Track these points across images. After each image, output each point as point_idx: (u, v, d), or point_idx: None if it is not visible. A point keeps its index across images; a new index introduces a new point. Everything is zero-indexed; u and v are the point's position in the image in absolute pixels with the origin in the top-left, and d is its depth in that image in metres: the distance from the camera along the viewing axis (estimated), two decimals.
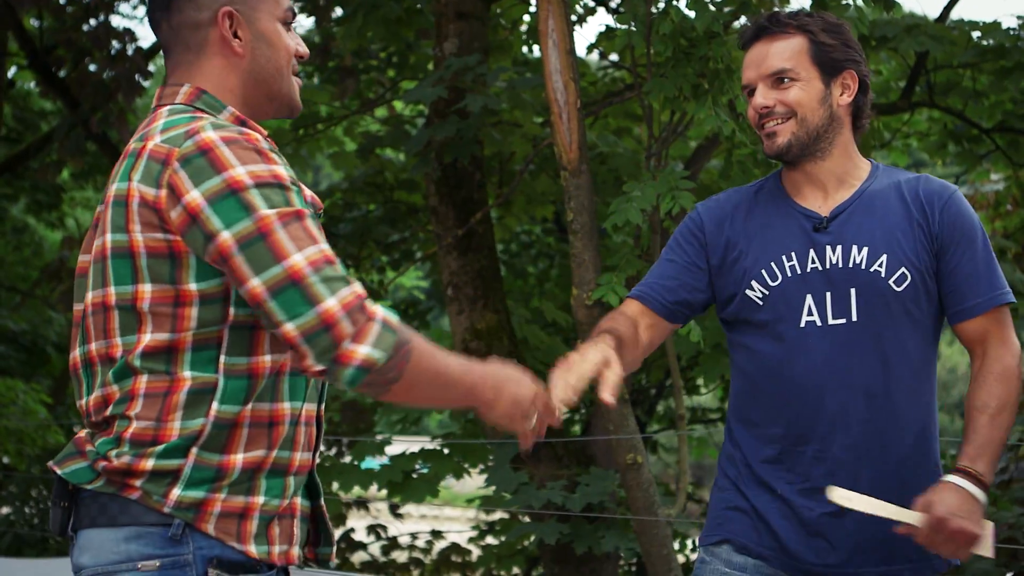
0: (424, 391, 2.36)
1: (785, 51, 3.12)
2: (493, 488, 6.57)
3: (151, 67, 9.27)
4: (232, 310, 2.31)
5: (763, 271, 3.11)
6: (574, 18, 7.53)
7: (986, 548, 2.99)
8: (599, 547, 6.04)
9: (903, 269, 3.06)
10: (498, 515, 9.60)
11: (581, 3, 7.70)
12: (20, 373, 12.80)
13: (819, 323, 3.06)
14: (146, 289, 2.30)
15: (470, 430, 8.21)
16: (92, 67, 9.03)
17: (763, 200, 3.21)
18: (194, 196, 2.27)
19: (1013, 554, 6.33)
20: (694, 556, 9.16)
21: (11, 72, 12.43)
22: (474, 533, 9.59)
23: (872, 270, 3.06)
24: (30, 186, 13.06)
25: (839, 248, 3.08)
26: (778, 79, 3.12)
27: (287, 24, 2.55)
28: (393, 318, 2.28)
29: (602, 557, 6.47)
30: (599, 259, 5.38)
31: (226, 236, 2.25)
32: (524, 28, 7.84)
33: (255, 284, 2.25)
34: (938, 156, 8.32)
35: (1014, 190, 8.95)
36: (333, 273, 2.25)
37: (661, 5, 5.24)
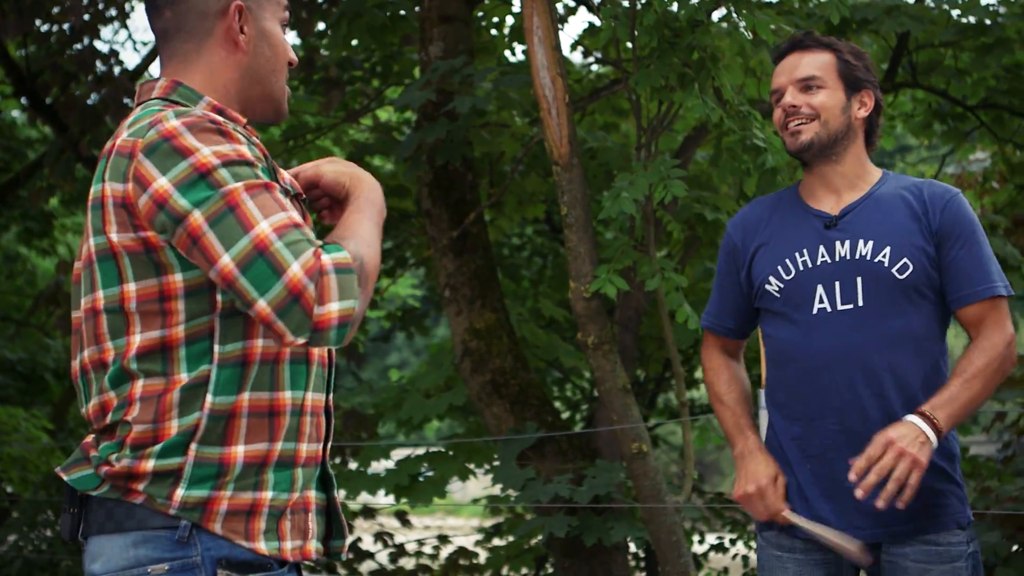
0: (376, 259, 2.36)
1: (815, 62, 3.55)
2: (499, 488, 6.59)
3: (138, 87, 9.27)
4: (219, 297, 2.30)
5: (779, 267, 3.51)
6: (557, 16, 7.56)
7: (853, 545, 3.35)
8: (608, 538, 6.06)
9: (905, 259, 3.41)
10: (504, 516, 9.62)
11: (562, 2, 7.74)
12: (20, 401, 12.77)
13: (829, 309, 3.44)
14: (131, 289, 2.30)
15: (473, 430, 8.24)
16: (78, 91, 9.04)
17: (782, 207, 3.62)
18: (161, 183, 2.26)
19: (1019, 527, 6.37)
20: (701, 548, 9.21)
21: None
22: (481, 536, 9.60)
23: (876, 260, 3.42)
24: (20, 215, 13.05)
25: (847, 242, 3.46)
26: (807, 85, 3.53)
27: (284, 27, 2.56)
28: (339, 254, 2.26)
29: (612, 548, 6.50)
30: (595, 252, 5.41)
31: (196, 215, 2.24)
32: (508, 30, 7.86)
33: (225, 262, 2.23)
34: (924, 136, 8.36)
35: (1000, 165, 8.99)
36: (297, 236, 2.23)
37: None
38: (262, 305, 2.22)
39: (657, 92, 5.34)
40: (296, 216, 2.27)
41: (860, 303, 3.41)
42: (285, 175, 2.46)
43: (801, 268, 3.47)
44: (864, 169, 3.57)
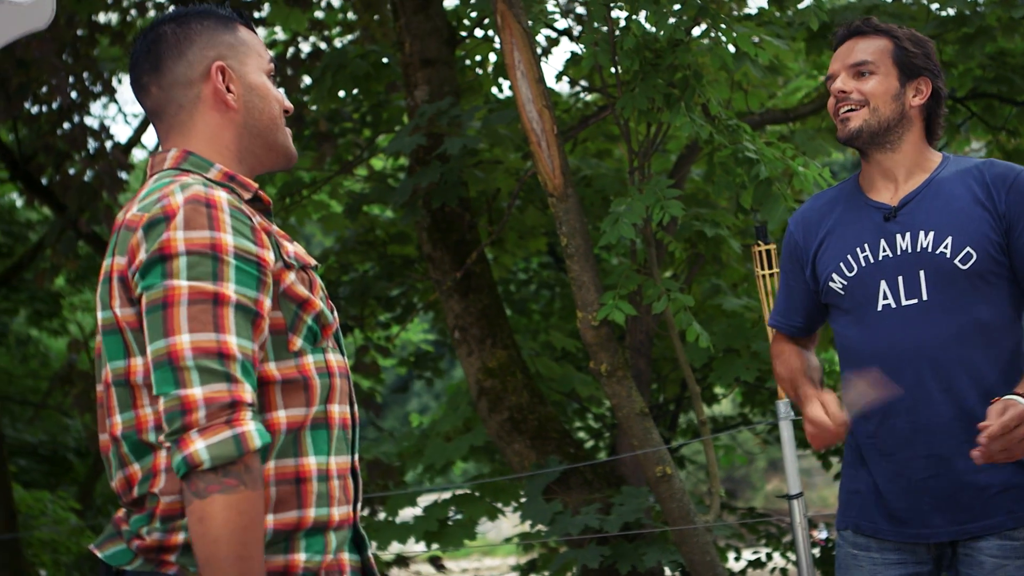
0: (211, 545, 2.18)
1: (870, 47, 3.45)
2: (528, 524, 6.58)
3: (132, 159, 9.33)
4: None
5: (841, 263, 3.43)
6: (539, 50, 7.59)
7: None
8: (642, 564, 6.04)
9: (968, 248, 3.31)
10: (538, 551, 9.59)
11: (543, 34, 7.77)
12: (45, 484, 12.80)
13: (894, 305, 3.36)
14: (137, 363, 2.30)
15: (498, 469, 8.22)
16: (72, 170, 9.09)
17: (842, 199, 3.55)
18: (141, 258, 2.27)
19: None
20: (738, 565, 9.17)
21: None
22: (517, 574, 9.57)
23: (938, 252, 3.33)
24: (28, 297, 13.11)
25: (907, 235, 3.37)
26: (859, 71, 3.44)
27: (271, 77, 2.58)
28: (256, 442, 2.19)
29: (646, 574, 6.47)
30: (599, 279, 5.41)
31: (144, 298, 2.25)
32: (491, 67, 7.89)
33: (148, 351, 2.23)
34: None
35: (996, 153, 8.99)
36: (214, 366, 2.19)
37: (622, 23, 5.29)
38: (161, 401, 2.21)
39: (644, 114, 5.35)
40: (230, 343, 2.22)
41: (925, 297, 3.32)
42: (289, 247, 2.43)
43: (863, 264, 3.39)
44: (924, 157, 3.46)
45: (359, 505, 2.52)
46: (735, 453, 10.11)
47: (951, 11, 6.76)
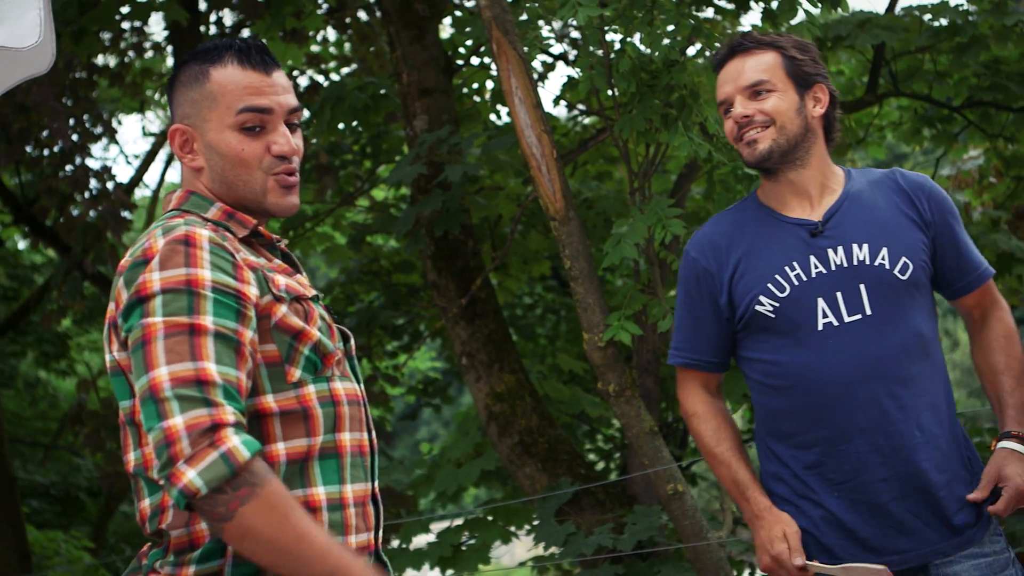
0: (266, 547, 2.22)
1: (760, 64, 3.30)
2: (542, 546, 6.59)
3: (134, 198, 9.37)
4: None
5: (769, 285, 3.25)
6: (536, 75, 7.64)
7: None
8: None
9: (904, 258, 3.22)
10: (552, 574, 9.59)
11: (539, 60, 7.82)
12: (57, 524, 12.81)
13: (836, 323, 3.20)
14: (138, 403, 2.32)
15: (510, 493, 8.23)
16: (75, 211, 9.14)
17: (750, 220, 3.36)
18: (123, 302, 2.33)
19: None
20: None
21: None
22: None
23: (877, 264, 3.21)
24: (35, 339, 13.16)
25: (840, 249, 3.23)
26: (755, 91, 3.29)
27: (249, 128, 2.50)
28: (246, 452, 2.20)
29: None
30: (604, 300, 5.43)
31: (128, 341, 2.29)
32: (489, 94, 7.94)
33: (136, 389, 2.27)
34: (915, 142, 8.39)
35: (994, 160, 9.03)
36: (192, 393, 2.21)
37: (617, 45, 5.33)
38: (149, 437, 2.24)
39: (643, 135, 5.38)
40: (207, 369, 2.24)
41: (868, 312, 3.20)
42: (279, 280, 2.43)
43: (795, 283, 3.23)
44: (831, 170, 3.36)
45: (380, 532, 2.53)
46: None
47: (944, 21, 6.80)
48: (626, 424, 5.52)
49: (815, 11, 5.51)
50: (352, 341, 2.58)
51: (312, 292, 2.51)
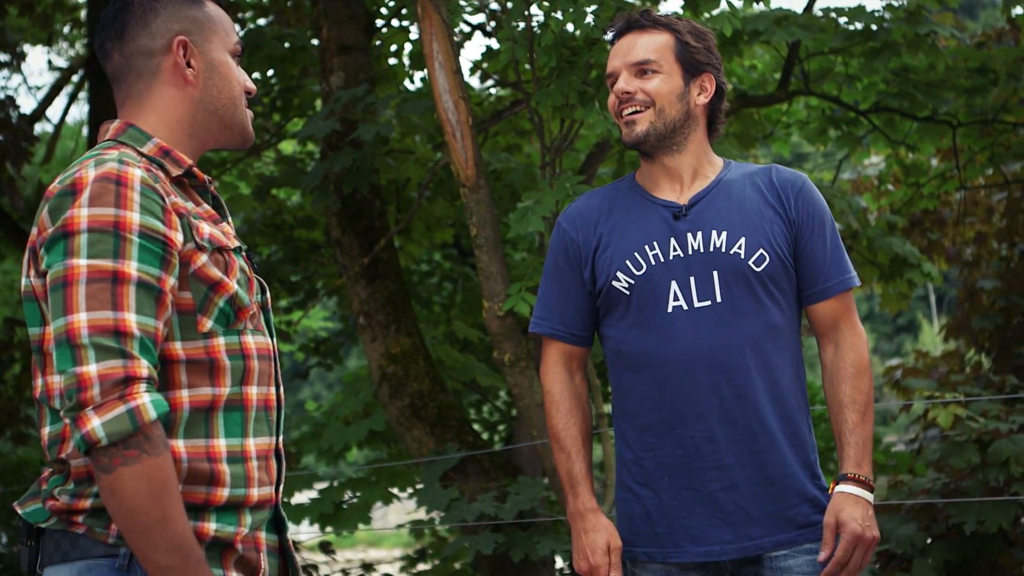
0: (126, 515, 2.23)
1: (651, 44, 3.29)
2: (422, 513, 6.62)
3: (36, 131, 9.23)
4: None
5: (627, 262, 3.24)
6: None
7: None
8: (535, 552, 6.11)
9: (761, 250, 3.21)
10: (427, 541, 9.64)
11: (458, 29, 7.83)
12: None
13: (685, 307, 3.20)
14: (49, 331, 2.32)
15: (395, 455, 8.26)
16: None
17: (620, 197, 3.36)
18: (46, 231, 2.31)
19: (933, 518, 6.50)
20: None
21: None
22: (406, 563, 9.61)
23: (732, 252, 3.20)
24: None
25: (699, 234, 3.23)
26: (642, 70, 3.28)
27: (236, 57, 2.60)
28: (152, 413, 2.22)
29: (539, 563, 6.56)
30: (506, 271, 5.48)
31: (48, 275, 2.28)
32: (407, 57, 7.93)
33: (49, 329, 2.28)
34: (819, 142, 8.52)
35: (895, 167, 9.22)
36: (109, 343, 2.22)
37: (540, 18, 5.37)
38: (57, 379, 2.25)
39: (559, 110, 5.43)
40: (127, 319, 2.24)
41: (718, 299, 3.19)
42: (204, 228, 2.42)
43: (653, 263, 3.24)
44: (708, 157, 3.36)
45: (281, 487, 2.55)
46: None
47: (859, 25, 6.91)
48: (518, 394, 5.58)
49: (737, 3, 5.59)
50: (268, 293, 2.59)
51: (236, 243, 2.51)
